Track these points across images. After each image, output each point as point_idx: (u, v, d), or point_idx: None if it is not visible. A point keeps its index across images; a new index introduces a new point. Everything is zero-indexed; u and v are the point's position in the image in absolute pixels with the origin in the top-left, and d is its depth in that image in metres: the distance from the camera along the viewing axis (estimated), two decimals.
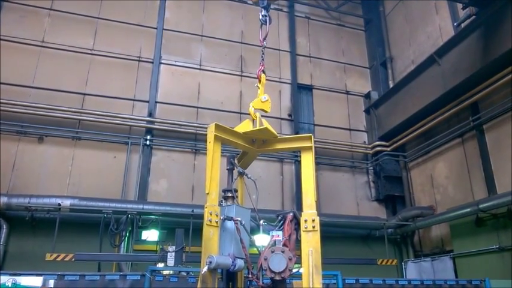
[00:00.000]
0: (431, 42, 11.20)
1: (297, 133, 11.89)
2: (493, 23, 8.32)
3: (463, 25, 9.20)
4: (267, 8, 4.41)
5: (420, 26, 11.88)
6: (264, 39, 4.27)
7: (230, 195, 3.62)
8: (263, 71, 4.02)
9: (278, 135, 3.93)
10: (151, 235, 9.22)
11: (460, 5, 9.20)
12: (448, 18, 10.62)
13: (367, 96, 13.30)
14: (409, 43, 12.43)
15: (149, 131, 10.65)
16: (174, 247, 7.29)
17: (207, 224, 3.14)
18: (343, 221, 10.55)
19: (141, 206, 9.00)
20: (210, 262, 2.97)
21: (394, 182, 11.84)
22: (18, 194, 8.57)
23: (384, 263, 9.59)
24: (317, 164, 11.95)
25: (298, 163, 11.66)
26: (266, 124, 3.74)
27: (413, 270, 10.31)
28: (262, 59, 4.09)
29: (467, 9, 8.63)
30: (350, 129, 12.94)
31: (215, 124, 3.44)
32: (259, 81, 3.99)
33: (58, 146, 9.83)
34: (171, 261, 7.16)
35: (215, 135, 3.40)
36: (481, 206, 8.39)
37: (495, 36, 8.23)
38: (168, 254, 7.24)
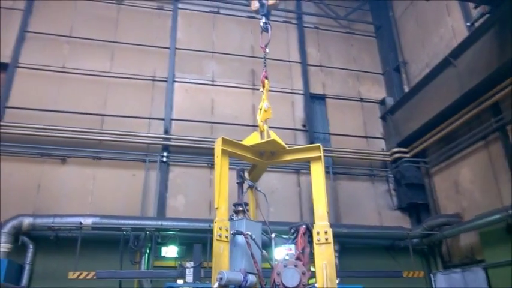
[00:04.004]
0: (444, 44, 10.99)
1: (311, 143, 11.80)
2: (507, 20, 8.08)
3: (476, 24, 9.00)
4: (267, 16, 4.49)
5: (432, 28, 11.69)
6: (266, 46, 4.34)
7: (241, 209, 3.61)
8: (266, 77, 4.07)
9: (288, 146, 3.92)
10: (170, 251, 9.26)
11: (472, 4, 9.02)
12: (461, 19, 10.40)
13: (382, 102, 13.11)
14: (422, 46, 12.24)
15: (166, 147, 10.80)
16: (192, 263, 7.29)
17: (216, 239, 3.13)
18: (363, 232, 10.28)
19: (159, 223, 9.08)
20: (221, 278, 2.94)
21: (417, 189, 11.43)
22: (42, 214, 8.82)
23: (410, 276, 9.19)
24: (334, 173, 11.81)
25: None
26: (274, 136, 3.74)
27: (443, 282, 9.76)
28: (265, 66, 4.15)
29: (479, 7, 8.45)
30: (367, 137, 12.74)
31: (222, 138, 3.46)
32: (263, 86, 4.04)
33: (80, 166, 10.09)
34: (189, 277, 7.15)
35: (222, 150, 3.41)
36: (511, 211, 7.94)
37: (510, 34, 8.01)
38: (187, 270, 7.24)
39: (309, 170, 11.77)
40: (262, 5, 4.73)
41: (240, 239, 3.31)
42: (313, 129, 12.29)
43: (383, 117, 12.94)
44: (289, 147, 3.98)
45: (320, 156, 3.63)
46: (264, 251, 3.38)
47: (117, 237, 8.71)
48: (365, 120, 13.02)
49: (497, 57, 8.29)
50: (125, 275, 8.18)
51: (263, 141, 3.67)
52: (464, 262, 9.78)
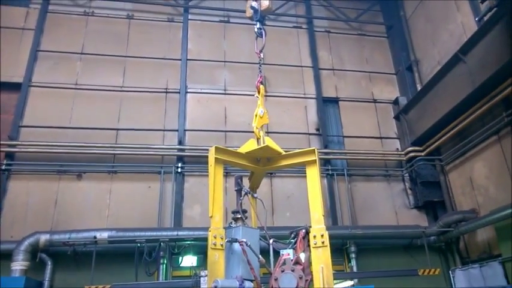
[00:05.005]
0: (455, 40, 10.78)
1: (326, 147, 11.77)
2: None
3: (485, 19, 8.80)
4: (261, 22, 4.56)
5: (442, 25, 11.50)
6: (261, 51, 4.41)
7: (239, 216, 3.67)
8: (261, 83, 4.11)
9: (283, 151, 3.94)
10: (188, 261, 9.32)
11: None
12: (470, 14, 10.20)
13: (396, 102, 12.94)
14: (433, 44, 12.04)
15: (180, 158, 10.95)
16: (206, 271, 7.34)
17: (211, 248, 3.19)
18: (378, 232, 10.16)
19: (175, 233, 9.15)
20: (215, 286, 3.00)
21: (432, 187, 11.24)
22: (59, 231, 9.01)
23: (425, 273, 9.04)
24: (349, 175, 11.72)
25: (330, 177, 11.49)
26: (269, 142, 3.79)
27: (461, 278, 9.62)
28: (260, 71, 4.19)
29: (486, 1, 8.27)
30: (381, 138, 12.59)
31: (215, 147, 3.54)
32: (258, 92, 4.09)
33: (96, 181, 10.33)
34: (204, 286, 7.21)
35: (216, 158, 3.49)
36: None
37: None
38: (201, 278, 7.31)
39: (324, 174, 11.70)
40: (255, 11, 4.81)
41: (237, 246, 3.35)
42: (326, 132, 12.24)
43: (397, 117, 12.79)
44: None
45: (315, 160, 3.64)
46: (260, 257, 3.41)
47: (134, 250, 8.84)
48: (379, 121, 12.88)
49: (506, 51, 8.08)
50: (140, 287, 8.27)
51: (257, 147, 3.72)
52: (482, 257, 9.62)
